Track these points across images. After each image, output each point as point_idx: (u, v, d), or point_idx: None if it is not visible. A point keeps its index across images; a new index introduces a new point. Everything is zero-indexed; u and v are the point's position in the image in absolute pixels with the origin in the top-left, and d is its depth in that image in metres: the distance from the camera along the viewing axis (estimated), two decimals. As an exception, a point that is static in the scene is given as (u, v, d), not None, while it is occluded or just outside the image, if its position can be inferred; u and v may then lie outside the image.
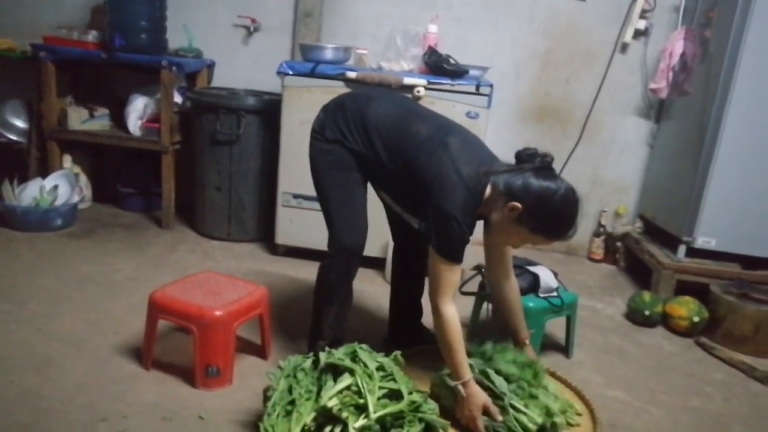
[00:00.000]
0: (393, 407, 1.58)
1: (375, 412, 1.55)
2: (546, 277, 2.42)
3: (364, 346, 1.80)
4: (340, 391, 1.60)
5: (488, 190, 1.80)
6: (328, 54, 3.14)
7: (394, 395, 1.65)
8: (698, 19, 3.23)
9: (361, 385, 1.60)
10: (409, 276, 2.35)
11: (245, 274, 2.89)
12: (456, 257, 1.80)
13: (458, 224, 1.75)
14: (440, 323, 1.80)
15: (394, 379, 1.67)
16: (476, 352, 1.96)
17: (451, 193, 1.77)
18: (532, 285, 2.39)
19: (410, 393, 1.66)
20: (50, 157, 3.58)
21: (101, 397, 1.91)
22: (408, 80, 2.96)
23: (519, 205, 1.72)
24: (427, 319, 2.52)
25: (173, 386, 2.01)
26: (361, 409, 1.57)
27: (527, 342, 2.10)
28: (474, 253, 2.79)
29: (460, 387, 1.78)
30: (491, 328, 2.36)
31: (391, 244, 2.39)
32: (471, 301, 2.55)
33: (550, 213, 1.74)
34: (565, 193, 1.73)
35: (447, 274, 1.80)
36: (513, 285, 2.12)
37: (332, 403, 1.56)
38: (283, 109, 3.09)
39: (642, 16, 3.52)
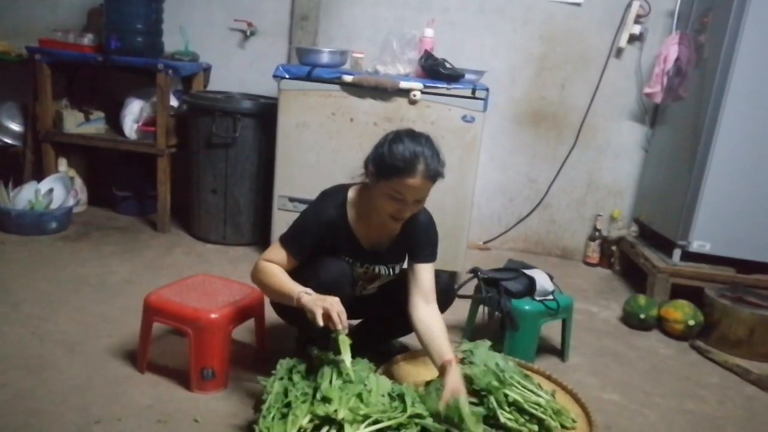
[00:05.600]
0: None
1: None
2: (542, 280, 2.42)
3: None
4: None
5: (351, 192, 1.98)
6: (325, 57, 3.14)
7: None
8: (693, 25, 3.25)
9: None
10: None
11: (240, 278, 2.86)
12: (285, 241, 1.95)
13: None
14: (254, 273, 1.93)
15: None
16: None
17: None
18: (528, 288, 2.40)
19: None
20: (45, 160, 3.58)
21: (95, 400, 1.90)
22: (404, 84, 2.96)
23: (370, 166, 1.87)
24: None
25: (168, 389, 2.00)
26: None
27: (453, 363, 1.81)
28: (469, 256, 2.79)
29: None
30: (487, 332, 2.36)
31: None
32: (467, 304, 2.55)
33: (384, 152, 1.82)
34: (394, 132, 1.86)
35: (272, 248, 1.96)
36: (434, 313, 1.95)
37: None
38: (279, 112, 3.09)
39: (637, 21, 3.54)
